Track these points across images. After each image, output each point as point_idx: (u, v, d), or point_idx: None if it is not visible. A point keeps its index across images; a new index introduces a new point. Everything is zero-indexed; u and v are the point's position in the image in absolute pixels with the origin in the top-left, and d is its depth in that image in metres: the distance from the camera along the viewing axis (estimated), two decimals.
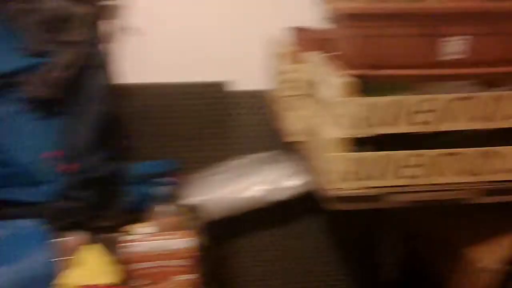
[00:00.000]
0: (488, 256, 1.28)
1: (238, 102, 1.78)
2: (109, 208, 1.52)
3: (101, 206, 1.52)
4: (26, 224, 1.30)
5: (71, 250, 1.31)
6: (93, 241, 1.36)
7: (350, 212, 1.17)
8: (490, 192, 1.11)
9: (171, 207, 1.36)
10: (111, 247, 1.36)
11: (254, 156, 1.78)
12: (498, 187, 1.11)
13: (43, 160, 1.42)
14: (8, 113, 1.44)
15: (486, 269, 1.25)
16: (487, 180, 1.11)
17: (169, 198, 1.39)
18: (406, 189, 1.09)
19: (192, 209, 1.48)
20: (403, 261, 1.77)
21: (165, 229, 1.31)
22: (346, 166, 1.07)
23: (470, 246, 1.35)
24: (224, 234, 1.85)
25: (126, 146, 1.63)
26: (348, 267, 1.96)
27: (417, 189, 1.09)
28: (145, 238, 1.19)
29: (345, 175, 1.07)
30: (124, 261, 1.34)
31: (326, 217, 1.91)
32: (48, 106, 1.45)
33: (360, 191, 1.06)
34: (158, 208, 1.31)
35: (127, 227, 1.46)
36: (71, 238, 1.32)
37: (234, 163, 1.75)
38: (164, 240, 1.18)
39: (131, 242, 1.18)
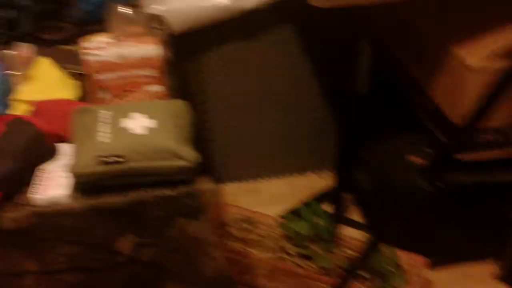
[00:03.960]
0: (477, 52, 1.17)
1: None
2: (59, 18, 1.35)
3: (49, 15, 1.34)
4: None
5: (21, 64, 1.17)
6: (45, 54, 1.22)
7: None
8: None
9: (131, 14, 1.20)
10: (66, 59, 1.23)
11: None
12: None
13: None
14: None
15: (474, 67, 1.17)
16: None
17: (128, 4, 1.22)
18: None
19: (155, 18, 1.33)
20: (377, 72, 1.71)
21: (127, 38, 1.17)
22: None
23: (456, 41, 1.25)
24: (189, 47, 1.72)
25: None
26: (320, 80, 1.90)
27: None
28: (105, 46, 1.05)
29: None
30: (84, 73, 1.22)
31: (300, 29, 1.78)
32: None
33: None
34: (117, 15, 1.15)
35: (83, 39, 1.32)
36: (20, 51, 1.17)
37: None
38: (128, 48, 1.05)
39: (90, 51, 1.04)
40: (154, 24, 1.24)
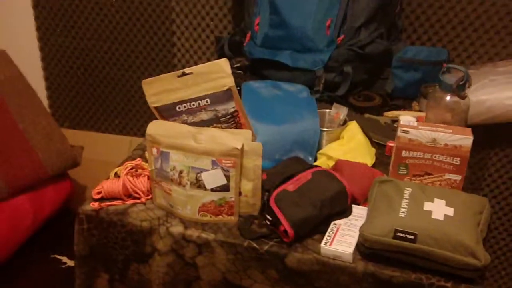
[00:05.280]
0: None
1: None
2: (373, 89, 1.46)
3: (364, 85, 1.46)
4: (297, 89, 1.31)
5: (334, 123, 1.29)
6: (353, 118, 1.32)
7: None
8: None
9: (448, 100, 1.23)
10: (370, 127, 1.32)
11: None
12: None
13: (322, 27, 1.38)
14: None
15: None
16: None
17: (441, 90, 1.26)
18: None
19: (464, 103, 1.33)
20: None
21: (435, 121, 1.20)
22: None
23: None
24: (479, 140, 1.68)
25: (398, 26, 1.51)
26: None
27: None
28: (419, 126, 1.10)
29: None
30: (382, 143, 1.29)
31: None
32: None
33: None
34: (434, 98, 1.19)
35: (391, 112, 1.40)
36: (335, 111, 1.29)
37: None
38: (440, 133, 1.07)
39: (404, 127, 1.09)
40: (463, 112, 1.25)
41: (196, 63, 1.87)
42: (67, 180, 1.68)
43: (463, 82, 1.12)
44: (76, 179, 1.82)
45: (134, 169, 1.16)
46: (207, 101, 1.07)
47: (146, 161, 1.18)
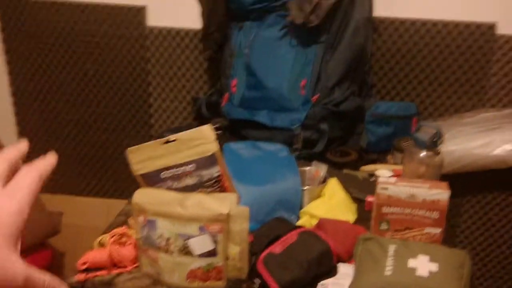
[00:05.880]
0: None
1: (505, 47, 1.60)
2: (348, 144, 1.50)
3: (340, 141, 1.50)
4: (276, 148, 1.34)
5: (314, 181, 1.32)
6: (332, 175, 1.35)
7: None
8: None
9: (415, 154, 1.28)
10: (349, 183, 1.35)
11: (506, 111, 1.60)
12: None
13: (297, 87, 1.44)
14: (266, 38, 1.47)
15: None
16: None
17: (413, 143, 1.31)
18: None
19: (438, 158, 1.39)
20: None
21: (411, 175, 1.25)
22: None
23: None
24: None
25: (368, 83, 1.58)
26: None
27: None
28: (396, 181, 1.14)
29: None
30: (362, 199, 1.32)
31: None
32: (305, 33, 1.44)
33: None
34: (409, 154, 1.24)
35: (367, 166, 1.44)
36: (314, 169, 1.33)
37: (482, 116, 1.59)
38: (418, 188, 1.11)
39: (382, 184, 1.13)
40: (437, 166, 1.30)
41: (173, 123, 1.89)
42: (47, 249, 1.64)
43: (435, 139, 1.18)
44: (52, 243, 1.79)
45: (119, 237, 1.16)
46: (191, 167, 1.09)
47: (131, 228, 1.18)
